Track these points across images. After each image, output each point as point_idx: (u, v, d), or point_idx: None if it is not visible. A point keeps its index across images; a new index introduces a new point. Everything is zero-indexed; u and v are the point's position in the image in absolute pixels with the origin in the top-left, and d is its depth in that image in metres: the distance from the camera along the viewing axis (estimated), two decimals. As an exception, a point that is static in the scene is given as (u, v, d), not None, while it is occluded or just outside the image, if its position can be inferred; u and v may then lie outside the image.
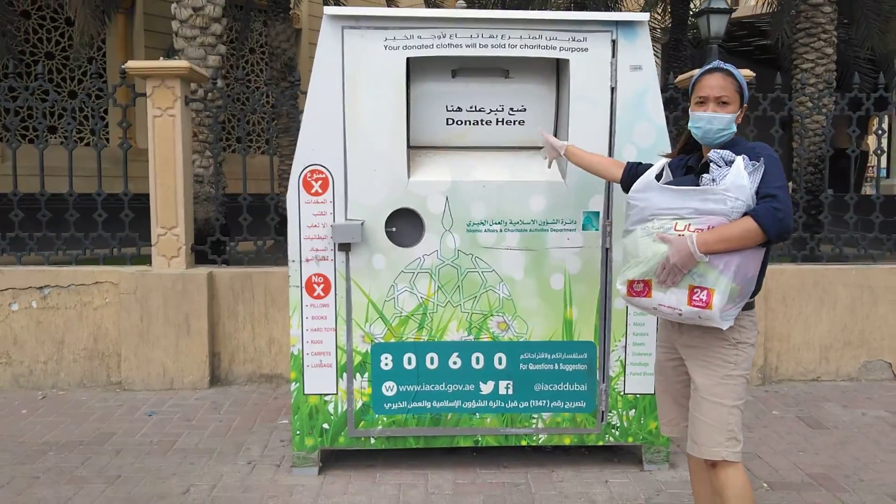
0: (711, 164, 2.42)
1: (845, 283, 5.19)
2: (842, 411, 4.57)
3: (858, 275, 5.21)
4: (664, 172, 2.59)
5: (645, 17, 3.38)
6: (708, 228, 2.30)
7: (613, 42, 3.36)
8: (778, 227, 2.26)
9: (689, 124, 2.53)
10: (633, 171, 2.84)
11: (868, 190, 20.61)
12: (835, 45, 9.09)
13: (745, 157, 2.35)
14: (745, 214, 2.28)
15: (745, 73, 4.94)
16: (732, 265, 2.28)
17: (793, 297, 5.16)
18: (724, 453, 2.43)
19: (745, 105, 2.50)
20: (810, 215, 6.89)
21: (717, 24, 9.38)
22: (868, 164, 20.70)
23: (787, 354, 5.20)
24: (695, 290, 2.31)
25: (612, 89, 3.37)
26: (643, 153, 3.32)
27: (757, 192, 2.30)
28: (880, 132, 5.59)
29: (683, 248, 2.28)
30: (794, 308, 5.17)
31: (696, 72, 2.64)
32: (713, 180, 2.38)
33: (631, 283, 2.45)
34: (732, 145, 2.46)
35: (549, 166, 3.36)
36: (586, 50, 3.35)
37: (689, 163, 2.60)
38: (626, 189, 2.77)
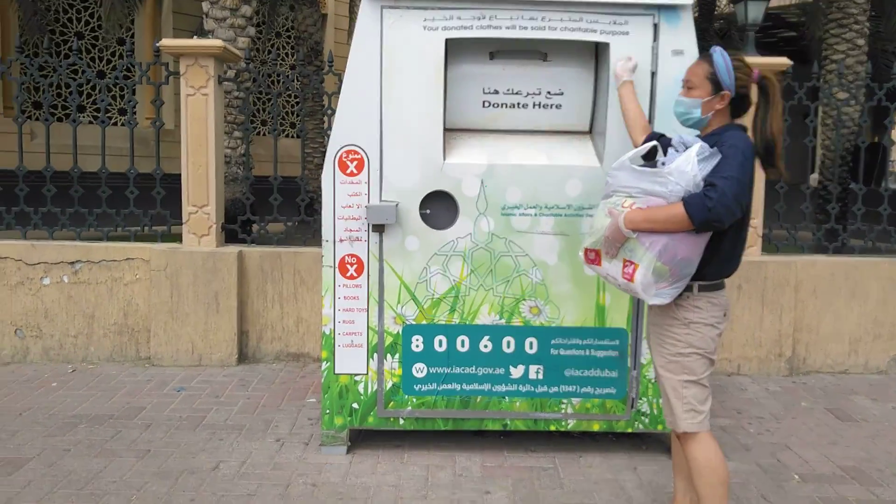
0: (670, 147, 2.56)
1: (877, 276, 5.13)
2: (871, 404, 4.52)
3: (891, 267, 5.14)
4: (657, 152, 2.65)
5: (689, 0, 3.33)
6: (647, 208, 2.43)
7: (655, 26, 3.32)
8: (704, 216, 2.30)
9: None
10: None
11: (892, 183, 20.31)
12: (866, 37, 8.94)
13: (704, 143, 2.43)
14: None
15: (781, 62, 4.89)
16: (658, 245, 2.39)
17: (823, 289, 5.10)
18: (683, 425, 2.54)
19: (723, 92, 2.51)
20: (841, 208, 6.79)
21: (755, 12, 9.21)
22: (890, 158, 20.46)
23: (815, 346, 5.15)
24: (626, 264, 2.49)
25: (653, 74, 3.34)
26: (682, 139, 3.28)
27: (704, 180, 2.36)
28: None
29: (614, 222, 2.47)
30: (825, 300, 5.12)
31: None
32: (663, 163, 2.52)
33: (586, 251, 2.68)
34: (715, 134, 2.52)
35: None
36: (627, 34, 3.32)
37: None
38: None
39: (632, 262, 2.45)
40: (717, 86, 2.52)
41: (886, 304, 5.13)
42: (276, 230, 5.51)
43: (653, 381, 3.53)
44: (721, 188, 2.29)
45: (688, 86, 2.57)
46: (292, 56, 15.45)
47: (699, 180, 2.36)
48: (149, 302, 4.96)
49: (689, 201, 2.33)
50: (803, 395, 4.68)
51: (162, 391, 4.47)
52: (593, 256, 2.64)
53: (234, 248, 5.03)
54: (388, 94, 3.34)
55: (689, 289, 2.52)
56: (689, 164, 2.37)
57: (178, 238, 5.08)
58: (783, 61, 4.86)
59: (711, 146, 2.42)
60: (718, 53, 2.53)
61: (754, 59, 5.20)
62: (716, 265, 2.51)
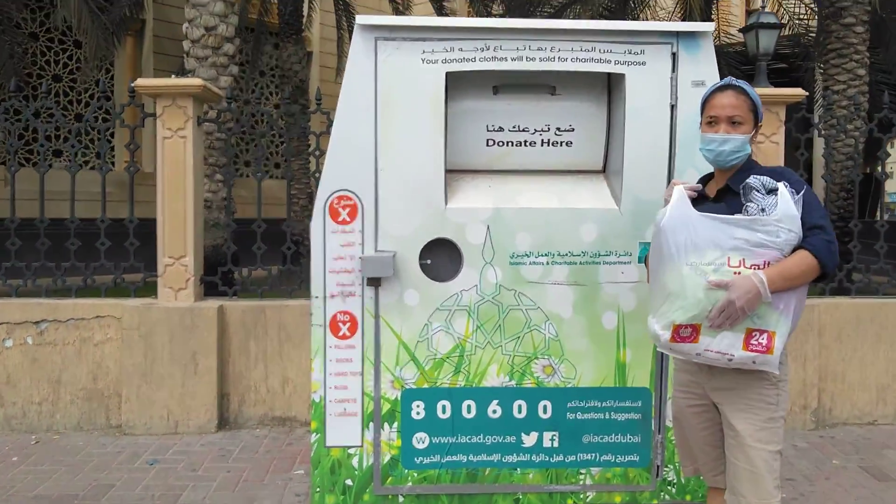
0: (753, 191, 2.21)
1: (904, 317, 4.81)
2: (907, 460, 4.18)
3: (919, 309, 4.83)
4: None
5: (709, 27, 3.04)
6: (764, 264, 2.10)
7: (674, 55, 3.02)
8: (835, 261, 2.17)
9: (700, 146, 2.38)
10: None
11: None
12: (867, 67, 8.79)
13: (786, 183, 2.19)
14: (794, 248, 2.15)
15: (796, 93, 4.63)
16: (792, 304, 2.14)
17: (848, 333, 4.78)
18: (773, 503, 2.28)
19: (759, 124, 2.38)
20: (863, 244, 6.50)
21: (767, 41, 9.01)
22: (884, 190, 20.44)
23: (841, 396, 4.81)
24: (753, 334, 2.13)
25: (672, 107, 3.03)
26: (707, 177, 2.98)
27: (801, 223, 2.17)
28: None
29: (752, 289, 2.08)
30: (850, 345, 4.79)
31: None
32: (762, 210, 2.17)
33: (677, 328, 2.21)
34: (748, 168, 2.30)
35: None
36: (644, 64, 3.02)
37: (702, 192, 2.43)
38: None
39: (763, 331, 2.14)
40: (756, 117, 2.35)
41: (916, 349, 4.81)
42: (259, 275, 5.13)
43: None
44: (829, 229, 2.17)
45: (735, 121, 2.32)
46: (277, 95, 15.22)
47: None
48: (120, 364, 4.55)
49: (818, 248, 2.13)
50: (833, 452, 4.33)
51: (133, 465, 4.04)
52: (688, 333, 2.20)
53: (214, 303, 4.64)
54: (383, 133, 3.01)
55: None
56: (793, 208, 2.15)
57: (153, 291, 4.69)
58: (799, 92, 4.61)
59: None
60: (746, 84, 2.36)
61: (771, 91, 4.95)
62: None
